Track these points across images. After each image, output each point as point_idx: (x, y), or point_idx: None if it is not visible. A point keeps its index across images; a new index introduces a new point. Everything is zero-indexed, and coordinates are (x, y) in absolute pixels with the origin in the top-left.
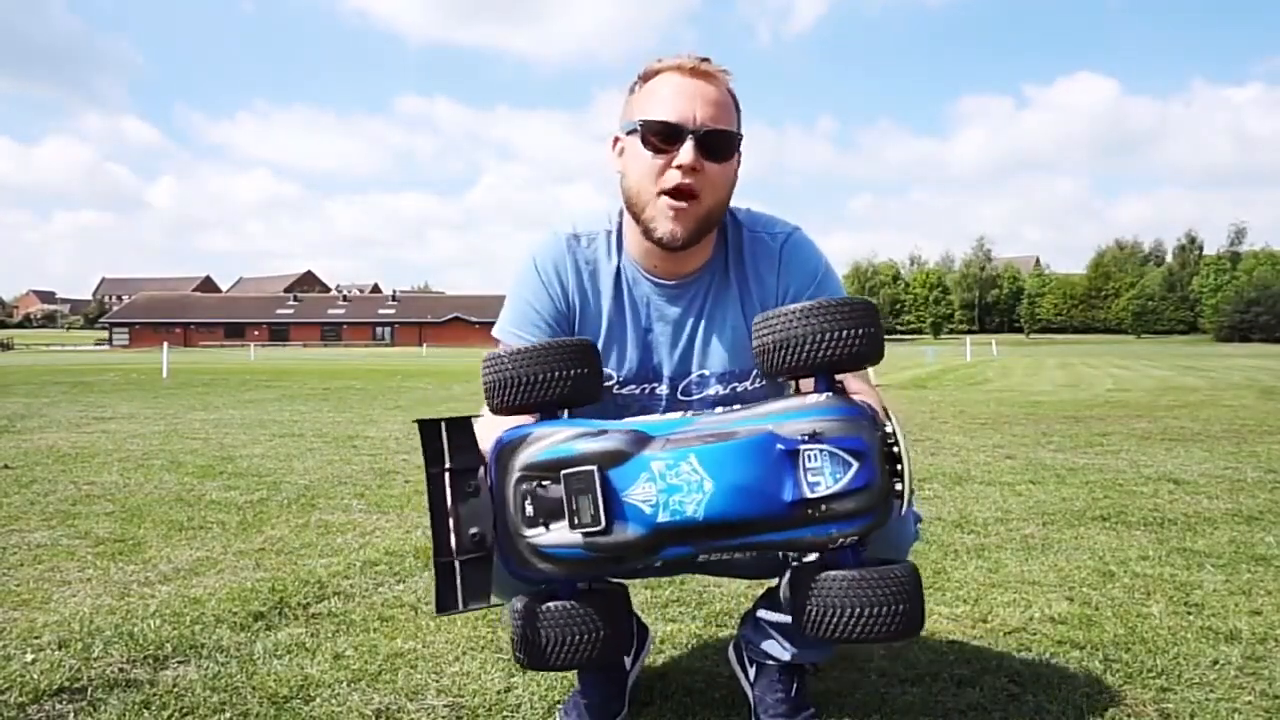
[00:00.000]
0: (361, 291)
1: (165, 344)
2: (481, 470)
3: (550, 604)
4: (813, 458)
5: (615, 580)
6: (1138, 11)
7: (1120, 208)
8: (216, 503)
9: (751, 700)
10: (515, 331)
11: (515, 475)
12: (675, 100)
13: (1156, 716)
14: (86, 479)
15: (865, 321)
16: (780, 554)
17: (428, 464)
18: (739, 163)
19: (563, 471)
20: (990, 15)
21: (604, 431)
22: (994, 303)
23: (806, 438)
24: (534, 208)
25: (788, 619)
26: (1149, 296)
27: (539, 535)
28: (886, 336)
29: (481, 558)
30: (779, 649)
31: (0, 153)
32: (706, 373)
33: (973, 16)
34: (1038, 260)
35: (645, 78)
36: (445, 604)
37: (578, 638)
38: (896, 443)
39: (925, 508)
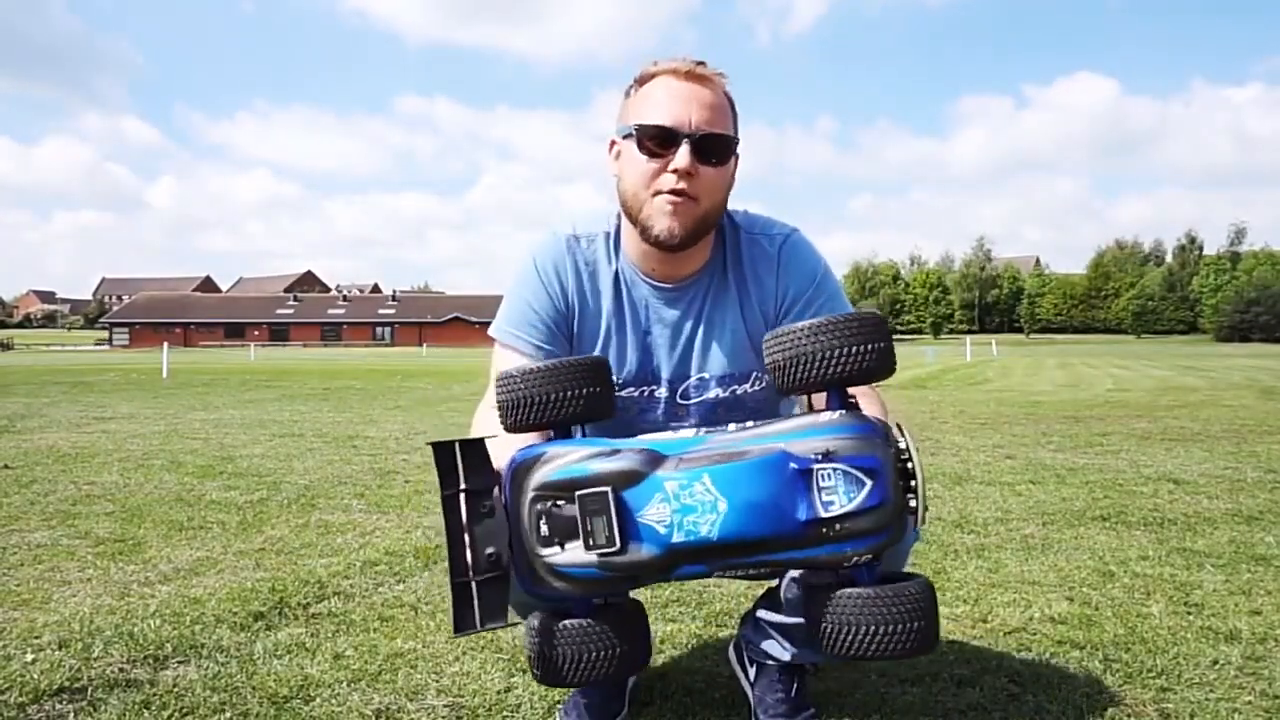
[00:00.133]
0: (361, 291)
1: (165, 344)
2: (496, 490)
3: (566, 621)
4: (826, 477)
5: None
6: (1138, 11)
7: (1120, 208)
8: (216, 503)
9: (751, 700)
10: (513, 331)
11: (530, 495)
12: (671, 104)
13: (1156, 716)
14: (86, 479)
15: (876, 336)
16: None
17: (442, 485)
18: (736, 165)
19: (577, 492)
20: (990, 15)
21: (617, 451)
22: (994, 303)
23: (820, 456)
24: (534, 208)
25: (788, 619)
26: (1149, 296)
27: (554, 554)
28: None
29: (498, 577)
30: (779, 649)
31: (0, 153)
32: (706, 375)
33: (972, 16)
34: (1038, 260)
35: (641, 81)
36: (463, 624)
37: (595, 654)
38: (910, 459)
39: (929, 508)
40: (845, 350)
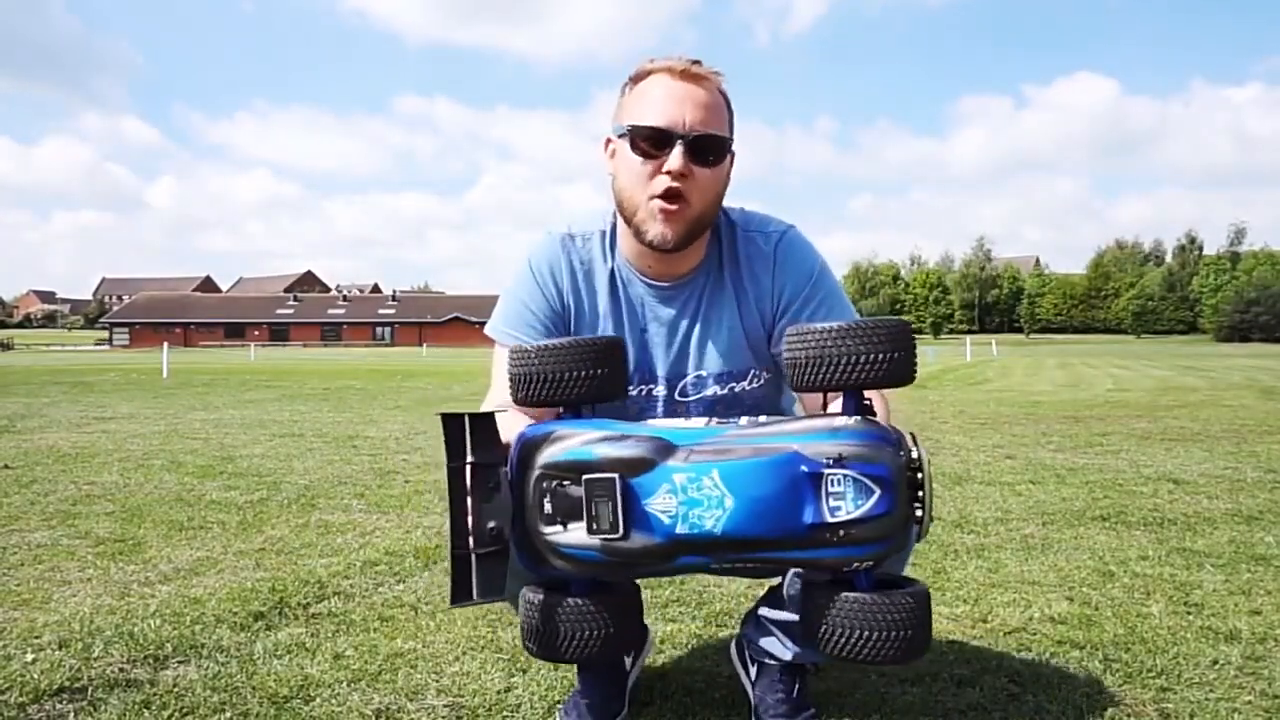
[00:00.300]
0: (361, 291)
1: (165, 344)
2: (502, 466)
3: (561, 598)
4: (836, 482)
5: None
6: (1137, 11)
7: (1120, 208)
8: (216, 503)
9: (752, 700)
10: (509, 331)
11: (536, 472)
12: (664, 105)
13: (1156, 716)
14: (87, 479)
15: (901, 345)
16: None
17: (449, 457)
18: (730, 165)
19: (585, 476)
20: (990, 15)
21: (627, 436)
22: (994, 303)
23: (831, 461)
24: (534, 208)
25: (790, 617)
26: (1149, 296)
27: (556, 534)
28: None
29: (498, 551)
30: (781, 648)
31: (0, 153)
32: (704, 373)
33: (972, 16)
34: (1038, 260)
35: (636, 79)
36: (460, 595)
37: (587, 633)
38: (920, 469)
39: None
40: (871, 357)
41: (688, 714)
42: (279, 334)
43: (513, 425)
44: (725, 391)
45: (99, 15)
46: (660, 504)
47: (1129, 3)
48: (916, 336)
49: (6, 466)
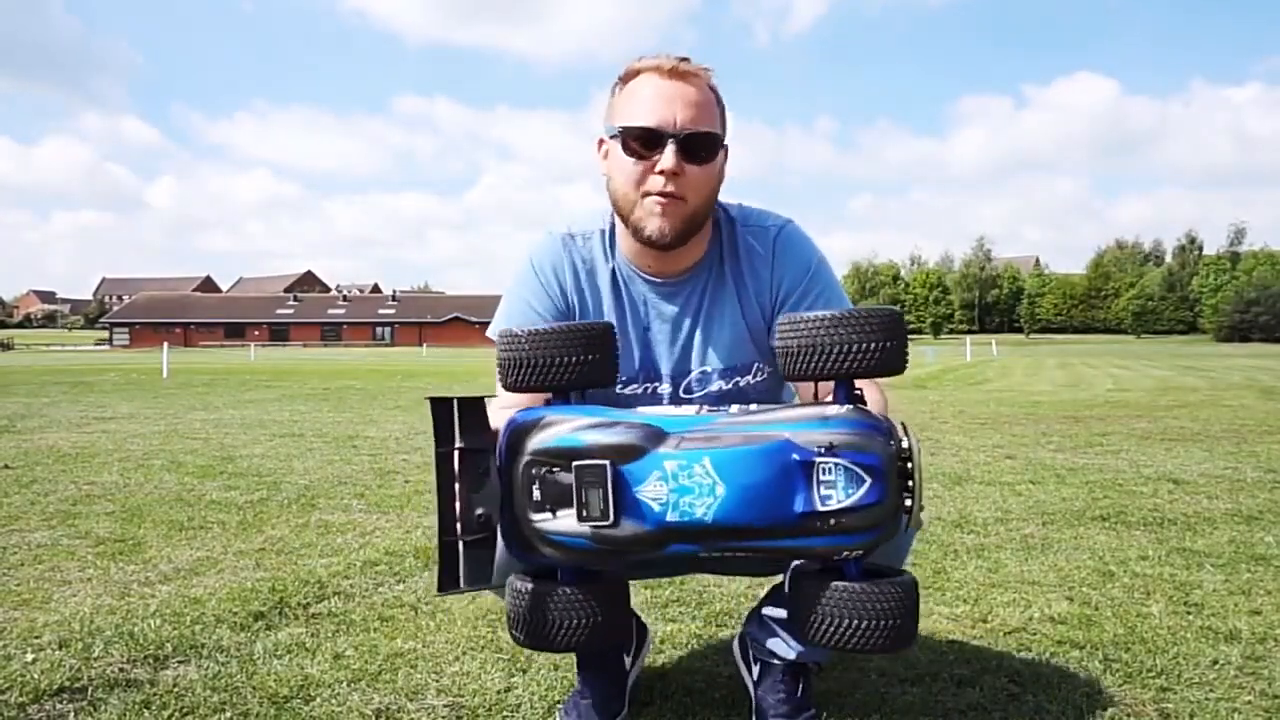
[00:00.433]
0: (361, 291)
1: (165, 344)
2: (491, 452)
3: (549, 586)
4: (827, 471)
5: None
6: (1137, 11)
7: (1120, 208)
8: (216, 503)
9: (754, 699)
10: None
11: (525, 459)
12: (654, 104)
13: (1156, 716)
14: (87, 479)
15: (892, 334)
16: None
17: (437, 442)
18: (724, 161)
19: (575, 463)
20: (990, 15)
21: (617, 423)
22: (994, 303)
23: (823, 450)
24: (534, 208)
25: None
26: (1149, 296)
27: (545, 521)
28: None
29: (486, 539)
30: (784, 647)
31: (0, 153)
32: (708, 369)
33: (972, 16)
34: (1037, 260)
35: (625, 79)
36: (446, 583)
37: (574, 622)
38: (911, 459)
39: (925, 508)
40: (861, 345)
41: (688, 714)
42: (279, 334)
43: (502, 410)
44: (730, 387)
45: (99, 15)
46: (651, 491)
47: (1129, 3)
48: (916, 337)
49: (6, 466)
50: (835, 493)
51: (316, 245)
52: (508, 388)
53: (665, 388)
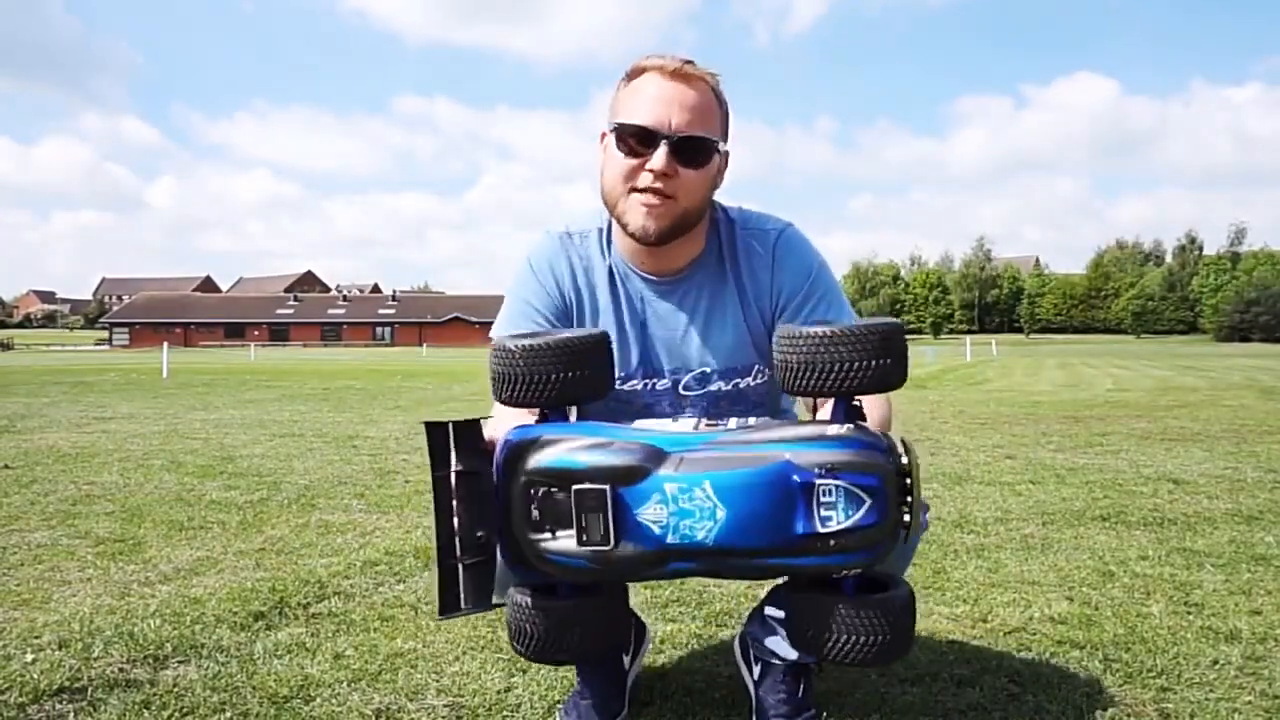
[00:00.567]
0: (361, 291)
1: (165, 344)
2: (488, 472)
3: (550, 600)
4: (827, 493)
5: None
6: (1137, 11)
7: (1120, 208)
8: (216, 503)
9: (754, 698)
10: (514, 331)
11: (523, 479)
12: (653, 105)
13: (1156, 716)
14: (87, 479)
15: (890, 350)
16: None
17: (434, 466)
18: (721, 165)
19: (574, 487)
20: (990, 15)
21: (614, 443)
22: (994, 303)
23: (823, 471)
24: (534, 208)
25: None
26: (1149, 296)
27: (545, 540)
28: None
29: (485, 560)
30: (785, 647)
31: (0, 153)
32: (708, 369)
33: (972, 16)
34: (1037, 260)
35: (630, 75)
36: (448, 606)
37: (575, 635)
38: (910, 476)
39: (928, 507)
40: (860, 364)
41: (688, 714)
42: (279, 334)
43: (498, 425)
44: (730, 387)
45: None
46: (651, 514)
47: (1129, 3)
48: (916, 337)
49: (6, 466)
50: (835, 514)
51: (316, 245)
52: (502, 403)
53: (665, 384)
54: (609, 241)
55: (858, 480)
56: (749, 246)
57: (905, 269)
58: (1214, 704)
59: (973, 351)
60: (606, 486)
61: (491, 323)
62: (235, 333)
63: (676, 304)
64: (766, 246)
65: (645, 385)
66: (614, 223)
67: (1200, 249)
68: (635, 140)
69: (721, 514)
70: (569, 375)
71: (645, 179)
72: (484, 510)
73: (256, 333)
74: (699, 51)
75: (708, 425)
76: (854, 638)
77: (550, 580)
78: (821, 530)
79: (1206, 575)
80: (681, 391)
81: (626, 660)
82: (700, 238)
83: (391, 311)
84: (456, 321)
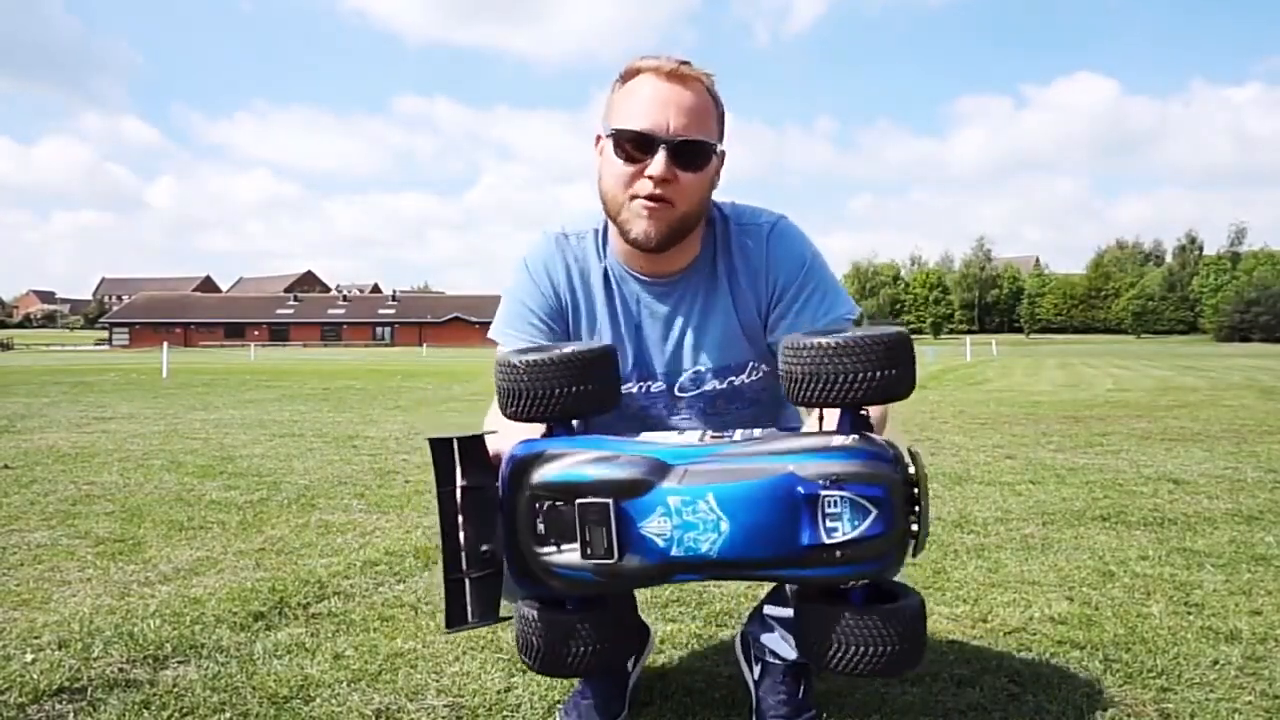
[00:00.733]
0: (361, 291)
1: (165, 344)
2: (493, 485)
3: (557, 613)
4: (833, 504)
5: None
6: (1137, 11)
7: (1120, 208)
8: (216, 503)
9: (754, 698)
10: (510, 332)
11: (528, 493)
12: (649, 108)
13: (1156, 716)
14: (86, 479)
15: (898, 361)
16: None
17: (439, 481)
18: (719, 166)
19: (578, 501)
20: (990, 15)
21: (618, 456)
22: (994, 303)
23: (828, 482)
24: (534, 208)
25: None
26: (1149, 296)
27: (550, 554)
28: None
29: (491, 574)
30: (785, 647)
31: (0, 153)
32: (702, 368)
33: (972, 16)
34: (1038, 260)
35: (625, 77)
36: (456, 620)
37: (584, 648)
38: (917, 485)
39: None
40: (867, 374)
41: (688, 714)
42: (279, 334)
43: (503, 438)
44: (724, 386)
45: (99, 15)
46: (655, 527)
47: (1129, 3)
48: (917, 337)
49: (6, 466)
50: (841, 525)
51: (316, 245)
52: (508, 417)
53: (660, 385)
54: (605, 243)
55: (863, 491)
56: (743, 241)
57: (905, 269)
58: (1214, 704)
59: (973, 351)
60: (610, 500)
61: (490, 323)
62: (235, 333)
63: (672, 306)
64: (760, 240)
65: (640, 388)
66: (610, 224)
67: (1200, 249)
68: (633, 145)
69: (725, 526)
70: (575, 390)
71: (645, 186)
72: (489, 524)
73: (256, 333)
74: (699, 52)
75: (713, 437)
76: (862, 648)
77: (557, 593)
78: (827, 541)
79: (1207, 575)
80: (676, 393)
81: (629, 662)
82: (696, 239)
83: (391, 311)
84: (456, 321)
